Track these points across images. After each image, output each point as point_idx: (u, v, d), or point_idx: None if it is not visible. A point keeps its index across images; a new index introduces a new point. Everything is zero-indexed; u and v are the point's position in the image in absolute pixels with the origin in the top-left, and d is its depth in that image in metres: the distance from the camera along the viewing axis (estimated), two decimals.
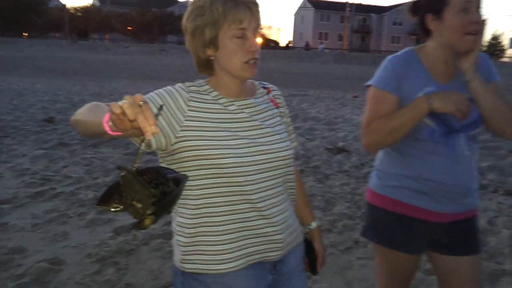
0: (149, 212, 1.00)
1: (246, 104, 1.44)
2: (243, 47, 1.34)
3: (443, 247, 1.82)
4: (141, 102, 0.96)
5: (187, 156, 1.33)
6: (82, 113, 1.20)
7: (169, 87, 1.38)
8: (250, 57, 1.35)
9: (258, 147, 1.38)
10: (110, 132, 1.04)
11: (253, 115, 1.44)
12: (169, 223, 3.79)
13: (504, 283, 3.05)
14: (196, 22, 1.35)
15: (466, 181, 1.74)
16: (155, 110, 1.07)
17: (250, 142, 1.37)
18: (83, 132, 1.23)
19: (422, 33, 1.78)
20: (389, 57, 1.81)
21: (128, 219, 3.90)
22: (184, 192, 1.34)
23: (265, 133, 1.43)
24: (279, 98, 1.58)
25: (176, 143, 1.32)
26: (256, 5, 1.36)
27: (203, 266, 1.37)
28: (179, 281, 1.44)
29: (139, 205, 1.02)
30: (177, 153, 1.34)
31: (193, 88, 1.40)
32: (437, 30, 1.69)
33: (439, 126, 1.70)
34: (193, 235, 1.38)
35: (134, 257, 3.28)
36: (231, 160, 1.32)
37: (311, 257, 1.62)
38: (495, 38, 70.87)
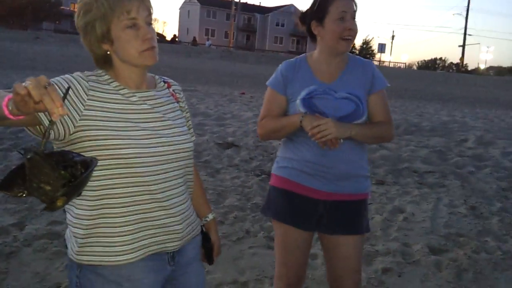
0: (60, 194, 0.99)
1: (147, 96, 1.45)
2: (138, 37, 1.35)
3: (327, 227, 2.04)
4: (46, 84, 0.94)
5: (87, 146, 1.31)
6: None
7: (67, 76, 1.34)
8: (146, 46, 1.36)
9: (159, 138, 1.40)
10: (11, 116, 1.00)
11: (155, 107, 1.45)
12: (53, 222, 3.59)
13: (378, 263, 3.43)
14: (86, 19, 1.34)
15: (342, 165, 1.98)
16: (61, 93, 1.05)
17: (151, 134, 1.39)
18: None
19: (311, 38, 2.04)
20: (284, 62, 2.09)
21: (6, 220, 3.60)
22: None
23: (167, 125, 1.45)
24: (179, 93, 1.62)
25: (75, 132, 1.29)
26: None
27: (100, 258, 1.36)
28: (74, 275, 1.41)
29: (48, 188, 0.99)
30: (76, 143, 1.31)
31: (92, 78, 1.38)
32: (320, 35, 1.97)
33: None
34: (91, 226, 1.36)
35: (15, 260, 3.05)
36: (133, 151, 1.33)
37: (207, 248, 1.68)
38: (366, 43, 77.42)
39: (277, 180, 2.09)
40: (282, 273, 2.11)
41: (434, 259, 3.54)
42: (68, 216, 1.42)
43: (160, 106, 1.48)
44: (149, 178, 1.37)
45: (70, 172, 1.02)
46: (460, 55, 65.64)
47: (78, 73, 1.38)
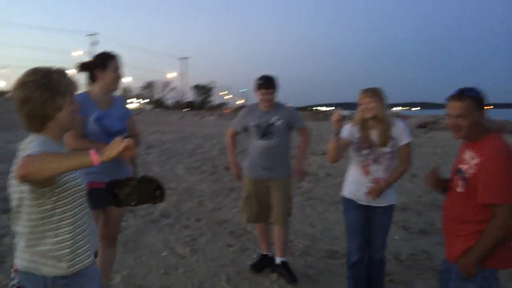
0: (158, 194, 1.98)
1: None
2: (75, 109, 2.00)
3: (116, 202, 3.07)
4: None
5: (67, 187, 1.89)
6: (52, 160, 1.65)
7: (43, 142, 1.87)
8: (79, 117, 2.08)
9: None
10: (97, 164, 1.69)
11: None
12: None
13: None
14: (46, 94, 1.87)
15: (117, 161, 2.97)
16: None
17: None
18: (52, 173, 1.66)
19: (92, 80, 3.19)
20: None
21: None
22: (62, 215, 1.90)
23: None
24: None
25: (64, 176, 1.88)
26: None
27: (82, 263, 1.97)
28: (60, 286, 1.91)
29: (146, 195, 1.97)
30: (62, 185, 1.87)
31: (51, 140, 1.93)
32: (102, 78, 3.18)
33: (103, 131, 3.09)
34: (73, 244, 1.93)
35: None
36: (83, 184, 2.00)
37: None
38: None
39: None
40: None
41: None
42: (42, 248, 1.89)
43: None
44: (86, 201, 2.06)
45: (156, 183, 1.98)
46: None
47: (43, 137, 1.91)
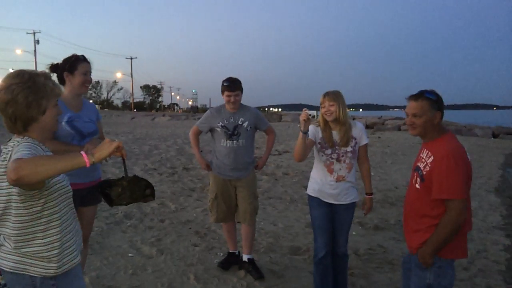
0: (148, 192, 2.07)
1: None
2: (58, 112, 2.06)
3: (84, 202, 3.21)
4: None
5: (54, 190, 1.96)
6: (45, 163, 1.69)
7: (31, 145, 1.91)
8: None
9: None
10: (88, 165, 1.79)
11: None
12: None
13: None
14: (32, 97, 1.92)
15: (94, 166, 3.15)
16: None
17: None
18: (44, 176, 1.69)
19: (61, 82, 3.24)
20: None
21: None
22: (51, 217, 2.00)
23: None
24: None
25: (51, 180, 1.94)
26: None
27: (70, 263, 2.04)
28: (49, 285, 1.99)
29: (138, 193, 2.05)
30: (50, 187, 1.94)
31: (36, 143, 1.97)
32: (69, 81, 3.21)
33: (76, 133, 3.13)
34: (61, 244, 1.99)
35: None
36: (69, 186, 2.09)
37: None
38: None
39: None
40: None
41: None
42: (31, 249, 1.94)
43: None
44: (72, 202, 2.13)
45: (145, 182, 2.08)
46: None
47: (29, 140, 1.94)
